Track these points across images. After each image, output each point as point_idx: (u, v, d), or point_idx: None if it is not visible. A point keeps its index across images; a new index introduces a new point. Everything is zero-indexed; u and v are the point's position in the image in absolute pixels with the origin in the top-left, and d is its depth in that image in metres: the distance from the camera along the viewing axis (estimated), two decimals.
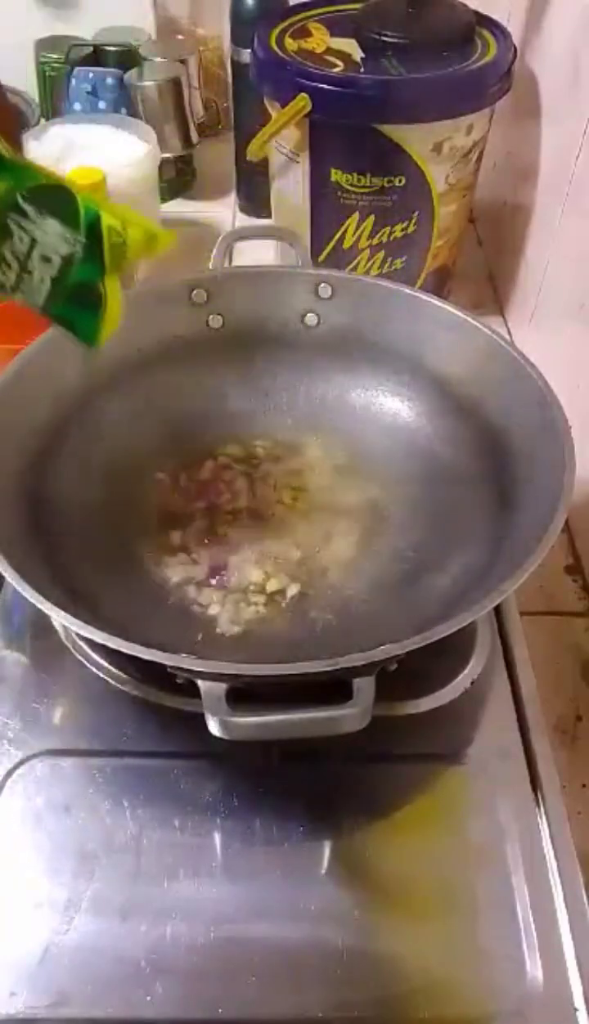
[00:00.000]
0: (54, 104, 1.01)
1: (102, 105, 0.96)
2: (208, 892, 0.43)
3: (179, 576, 0.54)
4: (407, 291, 0.60)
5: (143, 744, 0.48)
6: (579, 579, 0.67)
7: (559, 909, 0.43)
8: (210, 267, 0.62)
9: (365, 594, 0.53)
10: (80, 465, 0.55)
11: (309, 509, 0.58)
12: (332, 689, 0.39)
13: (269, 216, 0.91)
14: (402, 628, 0.41)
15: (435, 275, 0.83)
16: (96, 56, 0.99)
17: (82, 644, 0.51)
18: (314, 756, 0.47)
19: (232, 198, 1.04)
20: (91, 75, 0.96)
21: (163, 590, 0.53)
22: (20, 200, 0.40)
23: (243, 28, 0.88)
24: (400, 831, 0.46)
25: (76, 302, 0.43)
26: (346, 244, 0.79)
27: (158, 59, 0.97)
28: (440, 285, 0.85)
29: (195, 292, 0.61)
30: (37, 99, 1.01)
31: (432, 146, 0.73)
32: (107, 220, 0.42)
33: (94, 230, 0.41)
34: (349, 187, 0.75)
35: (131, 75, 0.94)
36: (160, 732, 0.48)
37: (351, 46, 0.74)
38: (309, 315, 0.62)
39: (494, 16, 0.77)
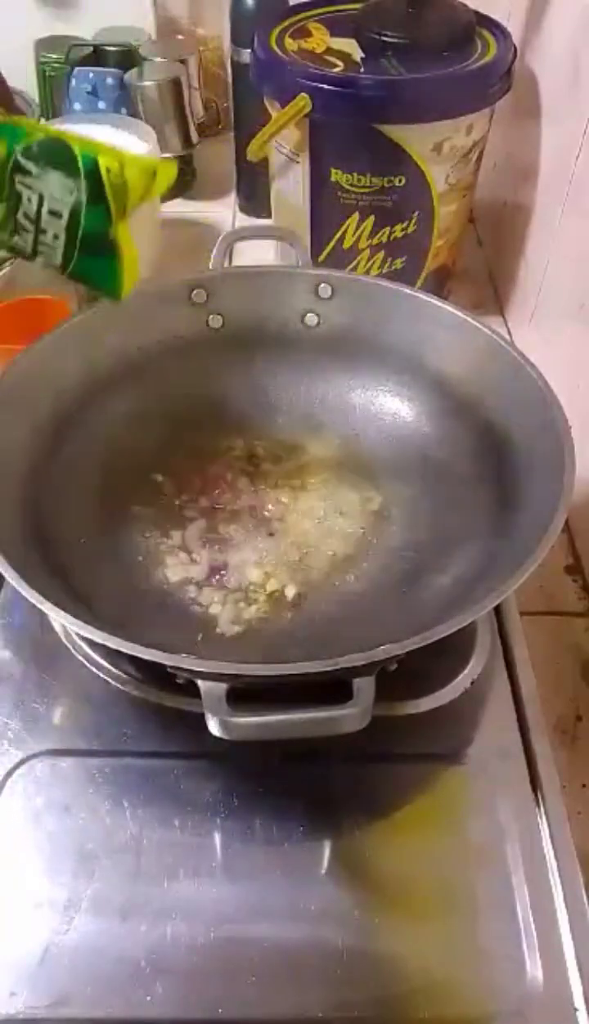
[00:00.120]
0: (54, 104, 1.01)
1: (102, 105, 0.96)
2: (208, 892, 0.43)
3: (179, 576, 0.54)
4: (407, 291, 0.60)
5: (143, 744, 0.48)
6: (579, 579, 0.67)
7: (559, 909, 0.43)
8: (210, 267, 0.62)
9: (365, 594, 0.53)
10: (80, 465, 0.55)
11: (309, 509, 0.58)
12: (332, 689, 0.39)
13: (269, 216, 0.91)
14: (402, 628, 0.41)
15: (435, 275, 0.83)
16: (96, 56, 0.99)
17: (82, 644, 0.51)
18: (314, 756, 0.47)
19: (232, 198, 1.04)
20: (91, 75, 0.96)
21: (163, 590, 0.53)
22: (20, 159, 0.41)
23: (243, 28, 0.88)
24: (400, 831, 0.46)
25: (91, 253, 0.44)
26: (346, 244, 0.79)
27: (158, 59, 0.97)
28: (440, 285, 0.85)
29: (195, 292, 0.61)
30: (37, 99, 1.01)
31: (432, 146, 0.73)
32: (105, 162, 0.42)
33: (94, 175, 0.42)
34: (349, 187, 0.75)
35: (131, 75, 0.94)
36: (160, 732, 0.48)
37: (351, 46, 0.74)
38: (309, 315, 0.62)
39: (494, 16, 0.77)
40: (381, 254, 0.80)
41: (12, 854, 0.44)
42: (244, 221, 1.02)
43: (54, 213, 0.42)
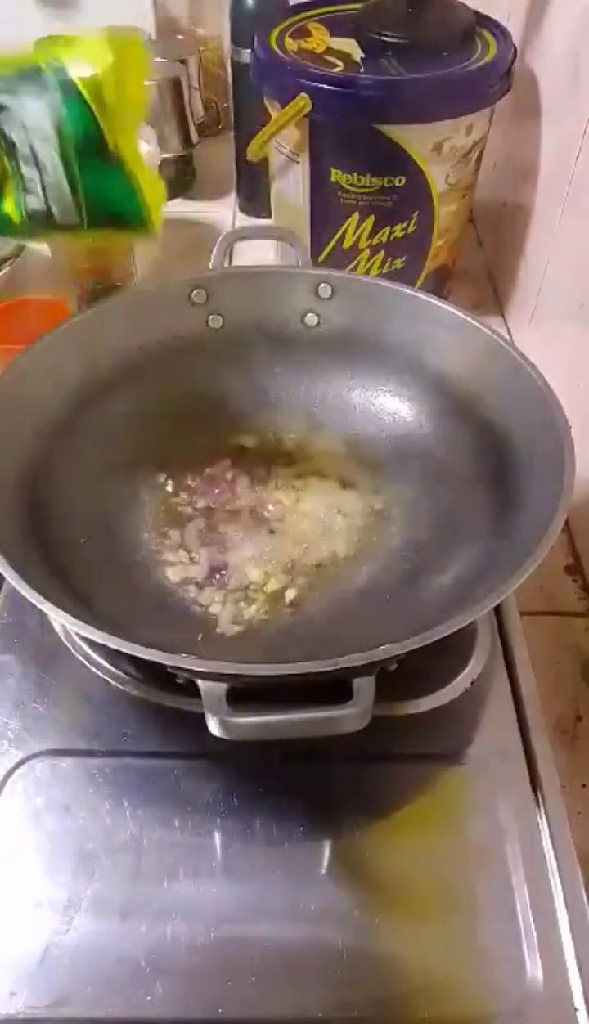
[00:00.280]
0: None
1: None
2: (208, 892, 0.43)
3: (179, 576, 0.54)
4: (407, 291, 0.60)
5: (143, 744, 0.48)
6: (579, 579, 0.67)
7: (559, 909, 0.43)
8: (210, 267, 0.62)
9: (365, 594, 0.53)
10: (80, 464, 0.55)
11: (309, 509, 0.58)
12: (332, 689, 0.39)
13: (269, 216, 0.91)
14: (402, 628, 0.41)
15: (435, 275, 0.83)
16: None
17: (82, 644, 0.51)
18: (314, 756, 0.47)
19: (232, 198, 1.04)
20: None
21: (163, 590, 0.53)
22: None
23: (243, 28, 0.88)
24: (400, 831, 0.46)
25: (93, 165, 0.42)
26: (346, 244, 0.79)
27: (158, 59, 0.97)
28: (440, 285, 0.85)
29: (195, 292, 0.61)
30: None
31: (432, 146, 0.73)
32: (69, 63, 0.41)
33: (64, 83, 0.41)
34: (349, 187, 0.75)
35: None
36: (160, 732, 0.48)
37: (351, 46, 0.74)
38: (309, 315, 0.62)
39: (494, 16, 0.77)
40: (381, 254, 0.80)
41: (12, 854, 0.44)
42: (244, 221, 1.02)
43: (44, 140, 0.41)
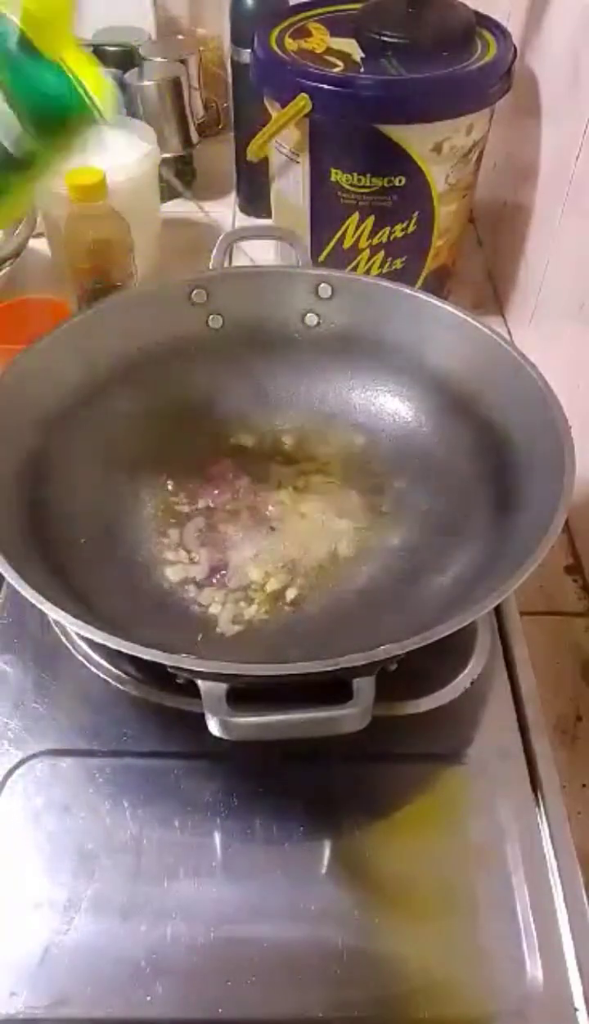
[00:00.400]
0: None
1: None
2: (208, 892, 0.43)
3: (179, 576, 0.54)
4: (407, 291, 0.60)
5: (143, 744, 0.48)
6: (579, 579, 0.67)
7: (559, 909, 0.43)
8: (210, 267, 0.62)
9: (365, 594, 0.53)
10: (80, 465, 0.55)
11: (309, 509, 0.58)
12: (332, 689, 0.39)
13: (269, 216, 0.91)
14: (402, 628, 0.41)
15: (435, 275, 0.83)
16: (96, 56, 0.99)
17: (82, 644, 0.51)
18: (314, 756, 0.47)
19: (232, 198, 1.04)
20: None
21: (163, 590, 0.53)
22: None
23: (243, 28, 0.88)
24: (400, 831, 0.46)
25: (24, 72, 0.40)
26: (346, 244, 0.79)
27: (158, 59, 0.97)
28: (440, 285, 0.85)
29: (195, 292, 0.61)
30: None
31: (432, 146, 0.73)
32: None
33: None
34: (349, 187, 0.75)
35: (131, 75, 0.94)
36: (160, 732, 0.48)
37: (351, 46, 0.74)
38: (309, 315, 0.62)
39: (494, 16, 0.77)
40: (381, 254, 0.80)
41: (12, 854, 0.44)
42: (244, 221, 1.02)
43: None
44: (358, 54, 0.73)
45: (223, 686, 0.39)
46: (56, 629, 0.52)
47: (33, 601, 0.41)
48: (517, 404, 0.53)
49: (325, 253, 0.81)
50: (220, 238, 0.63)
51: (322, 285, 0.61)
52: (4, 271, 0.82)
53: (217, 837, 0.45)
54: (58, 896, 0.43)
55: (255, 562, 0.54)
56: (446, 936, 0.42)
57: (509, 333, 0.85)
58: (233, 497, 0.58)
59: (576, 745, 0.57)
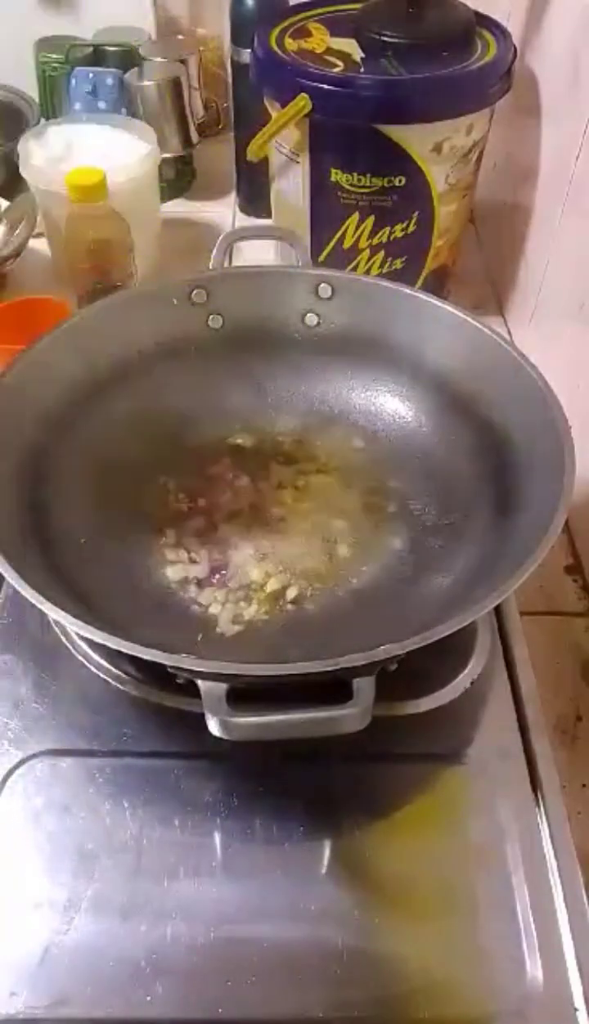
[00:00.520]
0: (54, 104, 1.01)
1: (102, 105, 0.96)
2: (208, 892, 0.43)
3: (179, 576, 0.54)
4: (407, 291, 0.60)
5: (143, 744, 0.48)
6: (579, 579, 0.67)
7: (559, 909, 0.43)
8: (210, 267, 0.62)
9: (365, 594, 0.53)
10: (80, 465, 0.55)
11: (310, 509, 0.58)
12: (332, 689, 0.39)
13: (269, 216, 0.91)
14: (402, 628, 0.41)
15: (435, 275, 0.83)
16: (96, 56, 0.99)
17: (82, 644, 0.51)
18: (314, 756, 0.47)
19: (232, 198, 1.04)
20: (91, 75, 0.96)
21: (163, 590, 0.53)
22: None
23: (243, 28, 0.88)
24: (400, 831, 0.46)
25: None
26: (346, 244, 0.79)
27: (158, 59, 0.97)
28: (440, 285, 0.85)
29: (195, 292, 0.61)
30: (37, 99, 1.01)
31: (432, 146, 0.73)
32: None
33: None
34: (349, 187, 0.75)
35: (131, 75, 0.94)
36: (160, 732, 0.48)
37: (351, 46, 0.74)
38: (309, 315, 0.62)
39: (494, 16, 0.77)
40: (381, 254, 0.80)
41: (12, 854, 0.44)
42: (244, 221, 1.02)
43: None
44: (358, 54, 0.73)
45: (223, 686, 0.39)
46: (56, 629, 0.52)
47: (33, 601, 0.41)
48: (517, 404, 0.53)
49: (325, 253, 0.81)
50: (220, 238, 0.63)
51: (322, 285, 0.61)
52: (4, 271, 0.82)
53: (217, 837, 0.45)
54: (58, 896, 0.42)
55: (255, 562, 0.54)
56: (446, 936, 0.42)
57: (509, 333, 0.85)
58: (233, 497, 0.58)
59: (576, 745, 0.57)
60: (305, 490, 0.59)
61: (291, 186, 0.80)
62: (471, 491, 0.55)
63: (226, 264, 0.64)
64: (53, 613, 0.41)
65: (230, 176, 1.03)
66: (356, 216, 0.77)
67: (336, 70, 0.72)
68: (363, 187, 0.75)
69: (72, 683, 0.50)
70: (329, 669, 0.39)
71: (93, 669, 0.50)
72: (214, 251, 0.63)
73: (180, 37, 1.09)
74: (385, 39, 0.73)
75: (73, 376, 0.57)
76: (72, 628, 0.41)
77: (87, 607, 0.46)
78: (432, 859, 0.45)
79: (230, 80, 0.97)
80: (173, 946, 0.41)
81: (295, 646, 0.50)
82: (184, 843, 0.45)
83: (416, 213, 0.77)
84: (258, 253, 0.87)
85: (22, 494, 0.50)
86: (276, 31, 0.77)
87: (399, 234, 0.78)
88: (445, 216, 0.78)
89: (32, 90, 1.02)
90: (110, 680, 0.49)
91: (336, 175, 0.75)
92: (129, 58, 0.98)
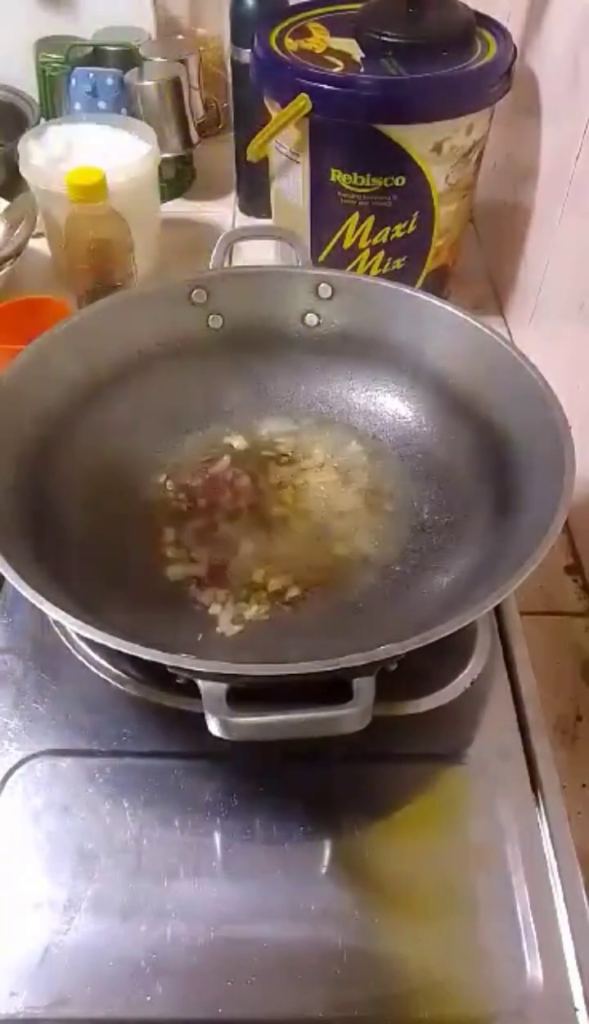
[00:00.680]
0: (54, 104, 1.01)
1: (102, 105, 0.96)
2: (208, 892, 0.43)
3: (179, 576, 0.54)
4: (407, 291, 0.60)
5: (143, 744, 0.48)
6: (579, 579, 0.67)
7: (559, 909, 0.43)
8: (210, 267, 0.62)
9: (365, 594, 0.53)
10: (80, 465, 0.55)
11: (310, 509, 0.58)
12: (332, 689, 0.39)
13: (269, 216, 0.91)
14: (402, 628, 0.41)
15: (435, 275, 0.83)
16: (96, 56, 0.99)
17: (82, 644, 0.51)
18: (314, 756, 0.47)
19: (232, 198, 1.04)
20: (91, 75, 0.95)
21: (163, 589, 0.53)
22: None
23: (243, 28, 0.88)
24: (400, 831, 0.46)
25: None
26: (346, 244, 0.79)
27: (158, 59, 0.97)
28: (440, 285, 0.85)
29: (195, 292, 0.61)
30: (37, 99, 1.01)
31: (432, 146, 0.73)
32: None
33: None
34: (349, 187, 0.75)
35: (131, 75, 0.94)
36: (160, 732, 0.48)
37: (351, 46, 0.74)
38: (309, 315, 0.62)
39: (494, 16, 0.77)
40: (381, 254, 0.80)
41: (12, 854, 0.44)
42: (244, 221, 1.02)
43: None
44: (358, 54, 0.73)
45: (223, 686, 0.39)
46: (56, 629, 0.52)
47: (33, 601, 0.41)
48: (517, 404, 0.53)
49: (325, 253, 0.81)
50: (220, 238, 0.63)
51: (322, 285, 0.61)
52: (4, 271, 0.82)
53: (217, 837, 0.45)
54: (58, 896, 0.42)
55: (255, 562, 0.54)
56: (446, 936, 0.42)
57: (509, 333, 0.85)
58: (233, 497, 0.58)
59: (576, 745, 0.57)
60: (305, 490, 0.59)
61: (291, 186, 0.80)
62: (471, 491, 0.55)
63: (226, 264, 0.64)
64: (53, 613, 0.41)
65: (230, 176, 1.03)
66: (356, 216, 0.77)
67: (336, 70, 0.72)
68: (363, 187, 0.75)
69: (72, 683, 0.50)
70: (329, 669, 0.39)
71: (93, 669, 0.50)
72: (214, 251, 0.63)
73: (180, 37, 1.09)
74: (385, 39, 0.73)
75: (73, 376, 0.57)
76: (72, 628, 0.41)
77: (87, 607, 0.46)
78: (432, 859, 0.45)
79: (230, 80, 0.97)
80: (173, 946, 0.41)
81: (295, 646, 0.50)
82: (184, 843, 0.45)
83: (416, 213, 0.77)
84: (258, 253, 0.87)
85: (22, 494, 0.50)
86: (276, 31, 0.77)
87: (399, 234, 0.78)
88: (445, 216, 0.78)
89: (32, 90, 1.02)
90: (110, 680, 0.49)
91: (336, 175, 0.75)
92: (129, 58, 0.98)
